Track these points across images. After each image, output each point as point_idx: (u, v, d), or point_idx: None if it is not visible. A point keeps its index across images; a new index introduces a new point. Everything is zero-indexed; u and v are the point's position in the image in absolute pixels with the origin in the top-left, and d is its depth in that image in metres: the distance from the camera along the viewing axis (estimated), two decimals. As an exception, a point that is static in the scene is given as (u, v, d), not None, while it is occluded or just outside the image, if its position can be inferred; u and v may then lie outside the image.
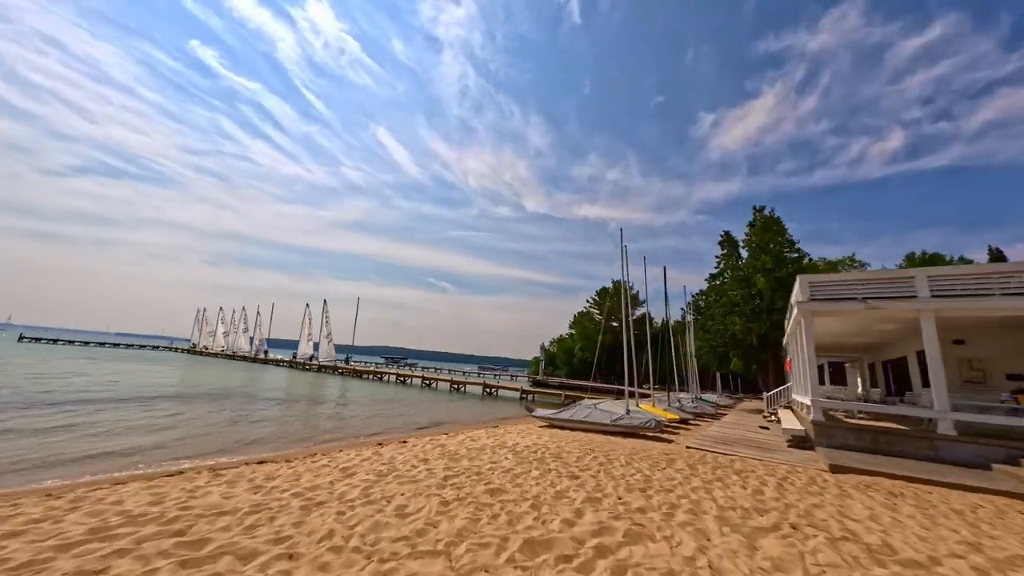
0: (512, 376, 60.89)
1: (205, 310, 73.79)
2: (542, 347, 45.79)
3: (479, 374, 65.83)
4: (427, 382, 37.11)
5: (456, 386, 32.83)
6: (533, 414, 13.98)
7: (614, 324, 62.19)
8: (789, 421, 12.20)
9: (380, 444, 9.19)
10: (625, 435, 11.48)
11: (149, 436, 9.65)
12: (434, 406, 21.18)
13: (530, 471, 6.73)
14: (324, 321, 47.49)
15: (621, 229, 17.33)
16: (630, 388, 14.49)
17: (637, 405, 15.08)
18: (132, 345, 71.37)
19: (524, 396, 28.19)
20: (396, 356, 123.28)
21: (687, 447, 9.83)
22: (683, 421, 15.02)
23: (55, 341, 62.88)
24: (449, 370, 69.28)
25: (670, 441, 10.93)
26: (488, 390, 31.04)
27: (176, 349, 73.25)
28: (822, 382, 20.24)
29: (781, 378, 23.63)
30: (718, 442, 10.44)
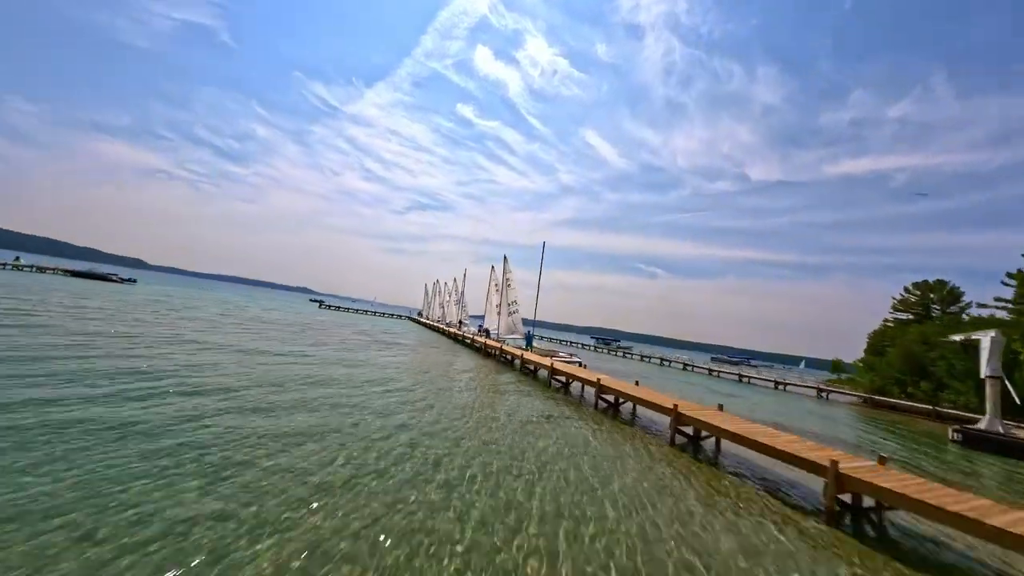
0: (803, 376, 32.30)
1: (433, 283, 77.05)
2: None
3: (713, 373, 38.46)
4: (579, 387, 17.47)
5: (607, 403, 11.77)
6: None
7: None
8: None
9: None
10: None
11: None
12: None
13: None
14: (505, 287, 34.82)
15: None
16: None
17: None
18: (384, 314, 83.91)
19: None
20: (607, 337, 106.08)
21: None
22: None
23: (343, 309, 78.05)
24: (665, 360, 44.88)
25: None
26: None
27: (407, 318, 79.58)
28: None
29: None
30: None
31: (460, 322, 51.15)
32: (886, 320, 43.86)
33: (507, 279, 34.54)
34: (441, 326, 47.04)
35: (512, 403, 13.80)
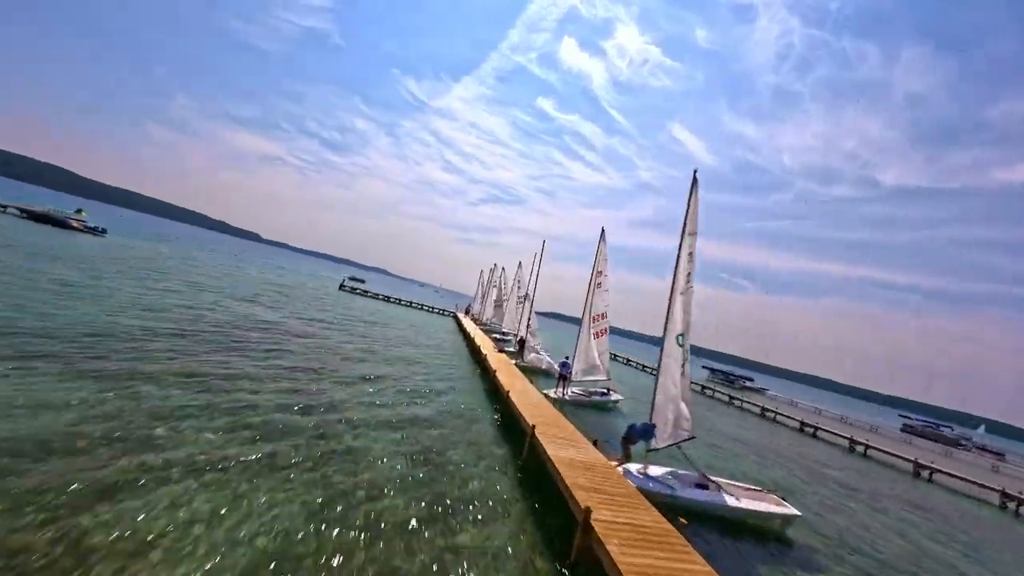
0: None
1: (490, 269, 60.58)
2: None
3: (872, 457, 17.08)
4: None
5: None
6: None
7: None
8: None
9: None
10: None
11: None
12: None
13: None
14: (595, 287, 17.86)
15: None
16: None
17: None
18: (431, 308, 68.86)
19: None
20: (730, 372, 67.52)
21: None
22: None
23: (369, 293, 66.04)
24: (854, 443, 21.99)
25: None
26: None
27: (451, 315, 64.71)
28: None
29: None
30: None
31: (521, 341, 27.82)
32: None
33: (598, 272, 17.64)
34: (483, 348, 24.54)
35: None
